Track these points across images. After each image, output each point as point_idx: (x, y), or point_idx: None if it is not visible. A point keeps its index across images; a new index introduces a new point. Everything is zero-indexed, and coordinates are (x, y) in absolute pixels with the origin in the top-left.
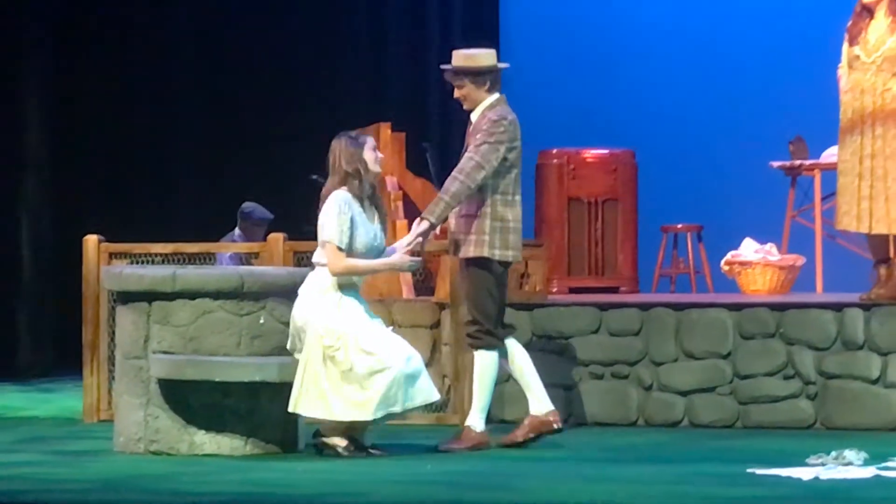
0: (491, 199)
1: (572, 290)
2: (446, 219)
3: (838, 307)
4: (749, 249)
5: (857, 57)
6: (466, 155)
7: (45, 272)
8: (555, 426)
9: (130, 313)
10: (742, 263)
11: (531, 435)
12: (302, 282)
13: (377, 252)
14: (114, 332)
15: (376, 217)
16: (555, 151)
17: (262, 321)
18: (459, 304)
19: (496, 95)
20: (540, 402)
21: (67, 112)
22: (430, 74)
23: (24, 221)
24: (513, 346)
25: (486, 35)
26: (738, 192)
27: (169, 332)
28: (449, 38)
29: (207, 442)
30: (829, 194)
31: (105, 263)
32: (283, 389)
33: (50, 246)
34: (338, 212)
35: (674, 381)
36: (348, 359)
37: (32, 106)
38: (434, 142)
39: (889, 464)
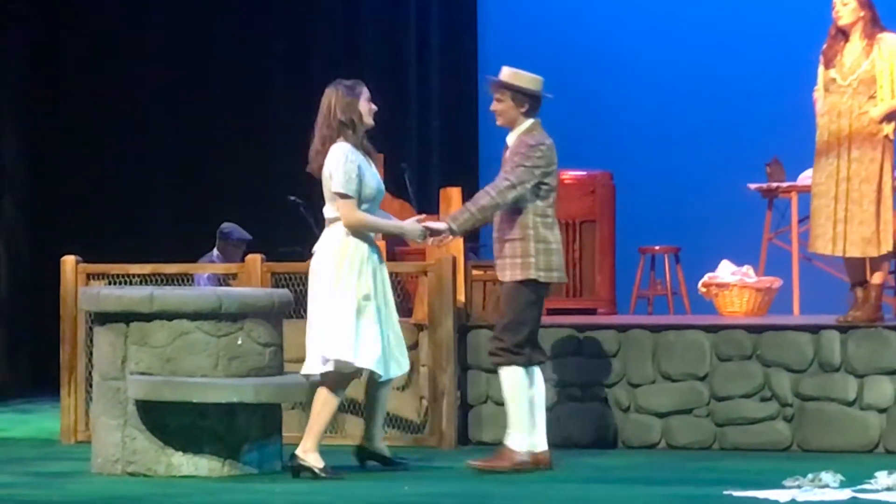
0: (533, 222)
1: (550, 312)
2: (467, 230)
3: (815, 329)
4: (726, 271)
5: (833, 80)
6: (501, 174)
7: (23, 293)
8: (541, 466)
9: (108, 334)
10: (719, 285)
11: (512, 468)
12: (280, 303)
13: (381, 197)
14: (91, 353)
15: (373, 163)
16: None
17: (239, 342)
18: (437, 325)
19: (532, 120)
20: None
21: (44, 132)
22: (408, 97)
23: (0, 242)
24: (534, 375)
25: (463, 57)
26: (716, 213)
27: (146, 353)
28: (426, 62)
29: (185, 463)
30: (806, 216)
31: (83, 284)
32: (260, 410)
33: (27, 266)
34: (344, 161)
35: (651, 402)
36: (375, 313)
37: (9, 127)
38: (412, 163)
39: (865, 486)
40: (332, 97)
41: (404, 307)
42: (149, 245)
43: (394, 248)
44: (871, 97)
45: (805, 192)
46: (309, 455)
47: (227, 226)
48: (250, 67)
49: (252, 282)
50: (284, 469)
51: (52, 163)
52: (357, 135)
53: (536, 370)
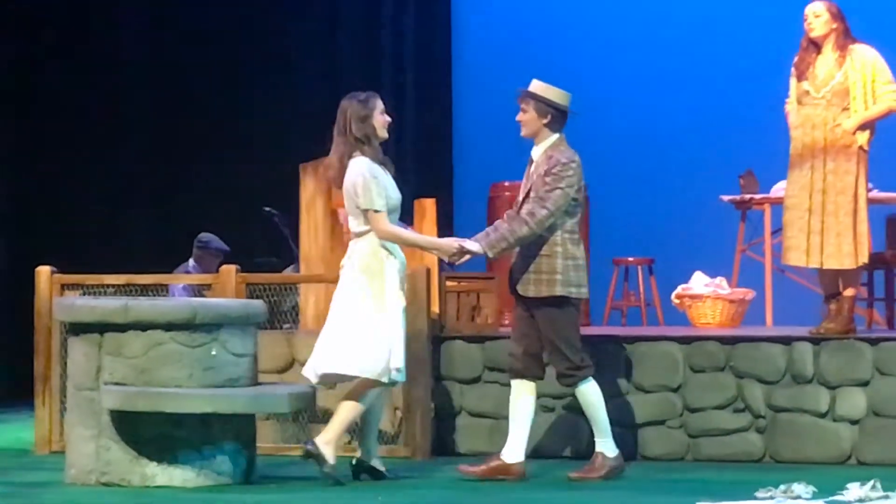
0: (561, 239)
1: None
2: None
3: (787, 341)
4: (699, 283)
5: (807, 92)
6: (537, 199)
7: None
8: (516, 478)
9: (82, 345)
10: (692, 297)
11: (492, 476)
12: (255, 314)
13: (399, 207)
14: (66, 364)
15: (389, 174)
16: (507, 184)
17: (214, 353)
18: (412, 336)
19: (557, 135)
20: (514, 451)
21: (19, 143)
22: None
23: None
24: (531, 389)
25: (438, 70)
26: (689, 225)
27: (121, 363)
28: (402, 74)
29: (159, 473)
30: (779, 228)
31: (57, 294)
32: (234, 421)
33: (1, 277)
34: (369, 178)
35: (624, 413)
36: (404, 322)
37: None
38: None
39: (837, 497)
40: (346, 111)
41: None
42: (124, 255)
43: None
44: (845, 109)
45: (778, 204)
46: (326, 447)
47: (205, 235)
48: (227, 78)
49: (227, 292)
50: (259, 479)
51: (26, 173)
52: (373, 148)
53: (532, 385)
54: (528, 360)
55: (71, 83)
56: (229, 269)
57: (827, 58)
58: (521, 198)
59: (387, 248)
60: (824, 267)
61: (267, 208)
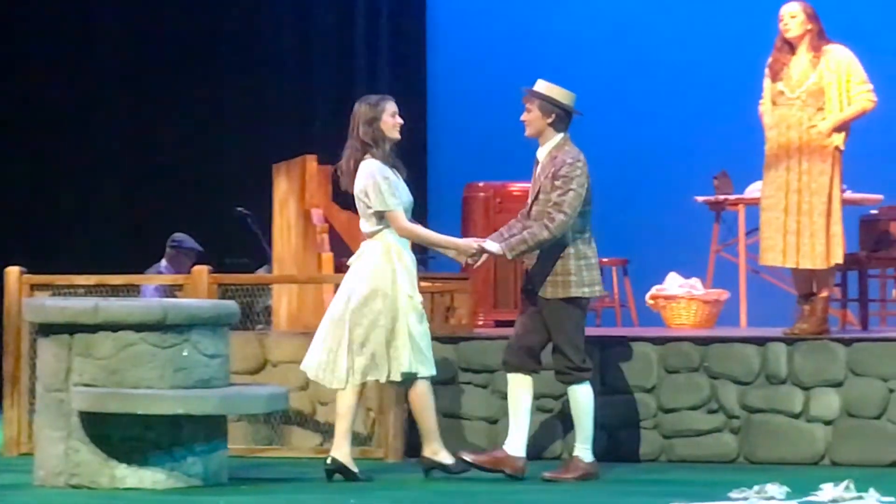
0: (572, 239)
1: (498, 324)
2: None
3: (761, 341)
4: (674, 284)
5: (782, 93)
6: (554, 205)
7: None
8: (516, 473)
9: (52, 345)
10: (667, 297)
11: (491, 467)
12: (226, 314)
13: (411, 208)
14: (35, 365)
15: (401, 176)
16: (481, 184)
17: (185, 353)
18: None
19: (562, 135)
20: (514, 445)
21: None
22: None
23: None
24: (528, 382)
25: (412, 69)
26: (664, 226)
27: (91, 364)
28: (375, 73)
29: (129, 475)
30: (753, 229)
31: (27, 295)
32: (206, 422)
33: None
34: (381, 180)
35: (598, 414)
36: (426, 319)
37: None
38: None
39: (811, 498)
40: (356, 115)
41: None
42: (95, 256)
43: (340, 259)
44: (820, 109)
45: (752, 205)
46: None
47: (178, 235)
48: (197, 77)
49: (198, 293)
50: (230, 481)
51: None
52: (382, 150)
53: (528, 379)
54: (525, 355)
55: (40, 83)
56: (201, 270)
57: (801, 58)
58: (530, 200)
59: (397, 248)
60: (800, 267)
61: (239, 208)
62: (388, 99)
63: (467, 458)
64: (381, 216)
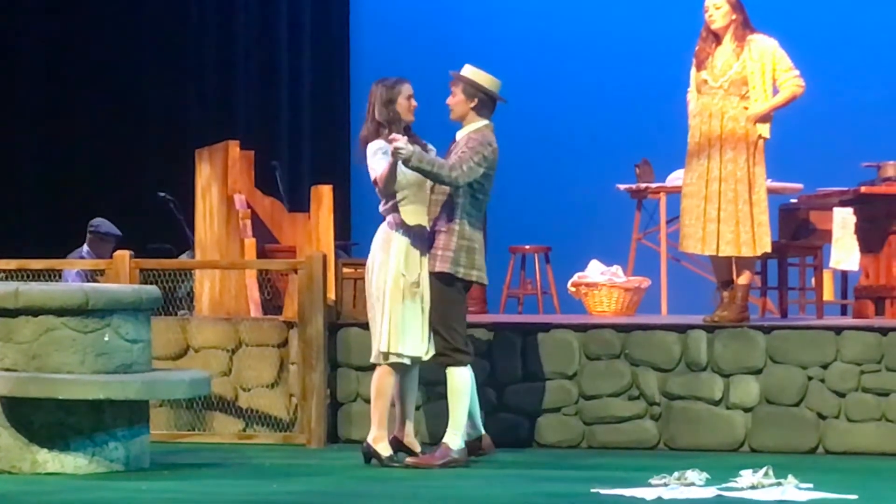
0: (459, 218)
1: None
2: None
3: (682, 329)
4: (595, 271)
5: (705, 81)
6: (456, 162)
7: None
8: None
9: None
10: (588, 285)
11: (443, 465)
12: (148, 299)
13: (425, 184)
14: None
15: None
16: None
17: (106, 338)
18: (307, 323)
19: (484, 122)
20: (474, 428)
21: None
22: (280, 93)
23: None
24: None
25: (336, 54)
26: (586, 214)
27: (11, 349)
28: (299, 58)
29: (50, 460)
30: (674, 217)
31: None
32: (127, 407)
33: None
34: (378, 152)
35: (520, 401)
36: (424, 298)
37: None
38: (283, 160)
39: (730, 484)
40: (373, 95)
41: (274, 304)
42: (16, 241)
43: (263, 245)
44: (743, 98)
45: (673, 193)
46: (376, 443)
47: (97, 220)
48: (120, 61)
49: (120, 278)
50: (152, 466)
51: None
52: (398, 131)
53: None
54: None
55: None
56: (123, 255)
57: (726, 48)
58: None
59: (396, 229)
60: (720, 254)
61: (162, 194)
62: (405, 81)
63: (409, 462)
64: (383, 193)
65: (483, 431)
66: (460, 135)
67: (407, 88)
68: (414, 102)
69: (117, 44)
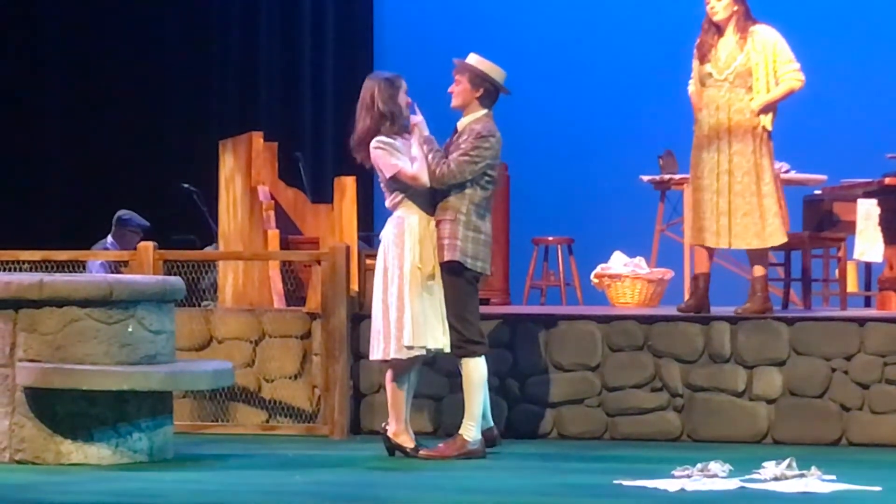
0: (466, 208)
1: None
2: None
3: (705, 321)
4: (618, 262)
5: (710, 74)
6: (453, 158)
7: None
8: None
9: None
10: (611, 276)
11: (459, 456)
12: (172, 290)
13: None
14: None
15: (413, 145)
16: None
17: (130, 329)
18: (331, 314)
19: (485, 111)
20: (483, 419)
21: None
22: (303, 84)
23: None
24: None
25: (359, 48)
26: (609, 205)
27: (36, 340)
28: (322, 51)
29: (74, 451)
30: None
31: None
32: (151, 398)
33: None
34: (386, 148)
35: (542, 392)
36: (439, 292)
37: None
38: (306, 152)
39: (753, 476)
40: (373, 89)
41: (297, 296)
42: (40, 233)
43: (286, 236)
44: (748, 90)
45: None
46: (400, 437)
47: (125, 212)
48: (145, 53)
49: (144, 269)
50: (175, 457)
51: None
52: (396, 125)
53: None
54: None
55: None
56: (146, 246)
57: (728, 40)
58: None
59: (407, 222)
60: (732, 247)
61: (186, 185)
62: (402, 77)
63: (424, 454)
64: (392, 188)
65: (491, 423)
66: (461, 124)
67: (404, 84)
68: (409, 99)
69: (143, 37)
